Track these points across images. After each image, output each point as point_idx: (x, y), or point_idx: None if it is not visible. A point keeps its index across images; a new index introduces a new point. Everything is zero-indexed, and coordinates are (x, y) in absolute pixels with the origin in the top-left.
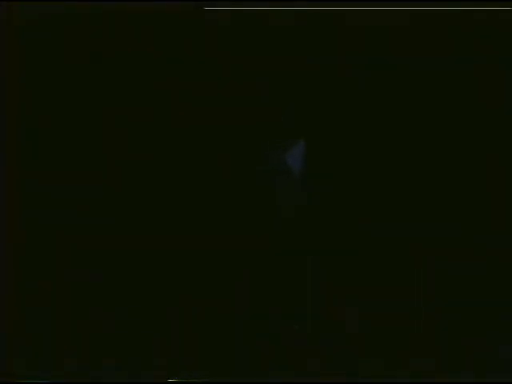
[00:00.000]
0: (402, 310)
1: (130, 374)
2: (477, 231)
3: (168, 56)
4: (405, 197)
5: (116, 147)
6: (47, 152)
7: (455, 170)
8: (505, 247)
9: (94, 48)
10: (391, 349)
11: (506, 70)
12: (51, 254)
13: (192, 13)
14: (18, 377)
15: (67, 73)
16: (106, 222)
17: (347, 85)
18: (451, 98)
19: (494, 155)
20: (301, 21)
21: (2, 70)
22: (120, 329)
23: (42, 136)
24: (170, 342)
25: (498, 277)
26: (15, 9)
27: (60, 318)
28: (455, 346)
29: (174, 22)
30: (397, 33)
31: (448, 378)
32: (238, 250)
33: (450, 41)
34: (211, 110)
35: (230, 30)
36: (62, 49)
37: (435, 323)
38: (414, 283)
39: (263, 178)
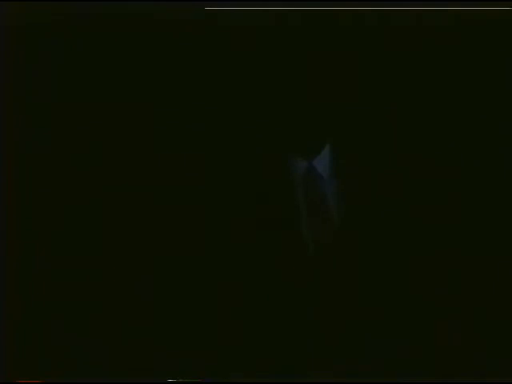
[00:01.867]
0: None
1: (129, 373)
2: (477, 231)
3: (168, 56)
4: (405, 197)
5: (116, 147)
6: (47, 152)
7: (455, 170)
8: (505, 247)
9: (93, 48)
10: (391, 349)
11: (506, 70)
12: (51, 254)
13: (192, 13)
14: (18, 377)
15: (67, 73)
16: (106, 221)
17: (347, 85)
18: (451, 98)
19: (494, 155)
20: (301, 21)
21: (2, 69)
22: (120, 328)
23: (41, 136)
24: (170, 342)
25: (497, 277)
26: (15, 9)
27: (60, 318)
28: (455, 346)
29: (173, 21)
30: (397, 33)
31: (448, 378)
32: (238, 249)
33: (450, 41)
34: (211, 110)
35: (230, 29)
36: (62, 49)
37: (435, 323)
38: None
39: (266, 178)
